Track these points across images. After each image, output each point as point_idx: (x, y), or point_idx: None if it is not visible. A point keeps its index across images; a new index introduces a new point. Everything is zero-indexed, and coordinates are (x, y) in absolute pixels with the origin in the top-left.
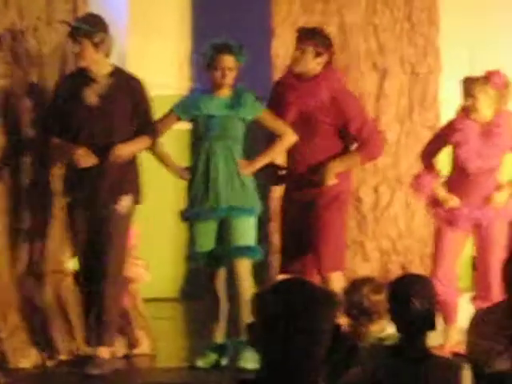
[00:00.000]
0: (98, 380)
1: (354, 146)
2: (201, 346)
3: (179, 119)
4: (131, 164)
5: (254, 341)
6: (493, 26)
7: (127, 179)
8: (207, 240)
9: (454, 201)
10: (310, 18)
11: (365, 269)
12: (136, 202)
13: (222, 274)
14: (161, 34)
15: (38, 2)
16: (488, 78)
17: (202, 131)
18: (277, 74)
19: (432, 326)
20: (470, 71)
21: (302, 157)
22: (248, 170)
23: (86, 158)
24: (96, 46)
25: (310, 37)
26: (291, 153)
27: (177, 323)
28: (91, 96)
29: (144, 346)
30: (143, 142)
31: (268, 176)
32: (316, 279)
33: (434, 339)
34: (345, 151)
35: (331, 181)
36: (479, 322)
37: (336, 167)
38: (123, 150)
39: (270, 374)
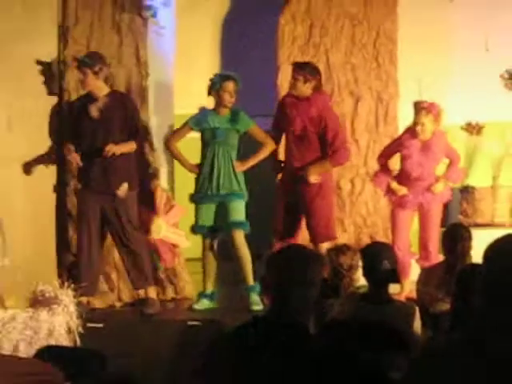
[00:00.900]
0: (153, 317)
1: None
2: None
3: (191, 130)
4: (127, 160)
5: (265, 288)
6: (435, 67)
7: (124, 171)
8: (208, 217)
9: (402, 190)
10: (305, 58)
11: (343, 238)
12: (131, 187)
13: (215, 243)
14: (198, 71)
15: (111, 47)
16: (429, 109)
17: (208, 139)
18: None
19: (396, 280)
20: (419, 98)
21: (298, 155)
22: (241, 169)
23: (72, 160)
24: (95, 73)
25: (300, 69)
26: (290, 151)
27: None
28: (94, 111)
29: (185, 292)
30: (130, 145)
31: (274, 167)
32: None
33: (393, 288)
34: (324, 155)
35: (313, 180)
36: (426, 276)
37: (315, 171)
38: (112, 148)
39: (276, 313)
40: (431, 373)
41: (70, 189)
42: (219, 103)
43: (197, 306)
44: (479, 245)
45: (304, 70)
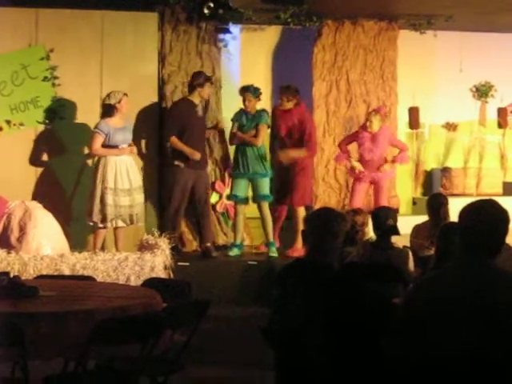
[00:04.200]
0: (216, 258)
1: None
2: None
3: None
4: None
5: (304, 238)
6: (424, 82)
7: (208, 154)
8: (242, 189)
9: (359, 167)
10: (331, 77)
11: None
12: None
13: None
14: (256, 83)
15: (195, 68)
16: (378, 110)
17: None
18: (315, 104)
19: (397, 233)
20: (412, 105)
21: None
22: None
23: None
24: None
25: (285, 91)
26: (278, 147)
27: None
28: (199, 112)
29: (246, 241)
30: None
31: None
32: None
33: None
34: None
35: (289, 161)
36: (417, 231)
37: (292, 153)
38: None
39: (311, 256)
40: (421, 296)
41: (170, 168)
42: (244, 106)
43: (230, 253)
44: (454, 208)
45: (287, 92)
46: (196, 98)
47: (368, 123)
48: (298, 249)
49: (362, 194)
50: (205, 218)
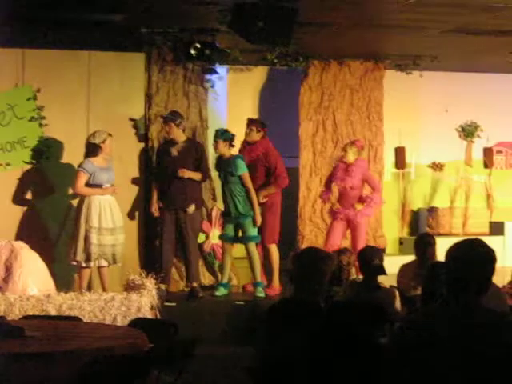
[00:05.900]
0: (201, 299)
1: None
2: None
3: None
4: (194, 186)
5: (291, 278)
6: (410, 123)
7: (192, 195)
8: (230, 229)
9: (336, 205)
10: (318, 117)
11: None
12: (198, 207)
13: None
14: (243, 124)
15: (181, 108)
16: (354, 142)
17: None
18: (302, 144)
19: (383, 273)
20: (398, 144)
21: (254, 182)
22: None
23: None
24: (177, 125)
25: (253, 123)
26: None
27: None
28: (174, 151)
29: (234, 281)
30: (197, 175)
31: None
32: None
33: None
34: (268, 181)
35: (261, 200)
36: (403, 270)
37: (262, 194)
38: (184, 172)
39: (298, 295)
40: (408, 336)
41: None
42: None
43: (217, 293)
44: (441, 248)
45: (256, 123)
46: (177, 136)
47: (343, 153)
48: (275, 288)
49: (338, 232)
50: (190, 257)
